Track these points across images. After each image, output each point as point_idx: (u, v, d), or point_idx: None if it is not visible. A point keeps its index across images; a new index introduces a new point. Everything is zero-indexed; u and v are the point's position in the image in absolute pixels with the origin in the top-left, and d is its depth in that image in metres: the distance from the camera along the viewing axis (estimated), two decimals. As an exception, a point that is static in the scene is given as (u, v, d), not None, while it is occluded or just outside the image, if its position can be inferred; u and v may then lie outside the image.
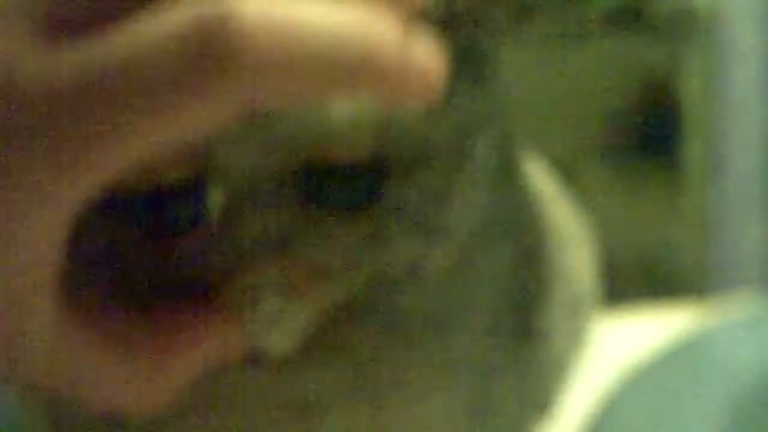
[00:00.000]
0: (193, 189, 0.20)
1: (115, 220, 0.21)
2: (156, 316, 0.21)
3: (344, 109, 0.20)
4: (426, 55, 0.18)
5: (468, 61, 0.22)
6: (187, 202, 0.20)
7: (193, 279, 0.21)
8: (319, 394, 0.22)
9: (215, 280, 0.21)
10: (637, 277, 1.45)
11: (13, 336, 0.19)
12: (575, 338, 0.27)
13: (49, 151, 0.18)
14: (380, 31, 0.18)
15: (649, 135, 1.49)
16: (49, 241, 0.19)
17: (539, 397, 0.26)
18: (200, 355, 0.21)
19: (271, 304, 0.20)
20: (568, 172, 1.51)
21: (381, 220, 0.21)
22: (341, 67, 0.17)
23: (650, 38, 1.29)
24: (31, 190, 0.18)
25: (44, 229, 0.19)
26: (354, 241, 0.21)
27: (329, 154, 0.20)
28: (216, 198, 0.21)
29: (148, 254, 0.21)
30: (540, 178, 0.28)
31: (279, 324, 0.20)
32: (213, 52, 0.17)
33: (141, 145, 0.18)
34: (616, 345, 0.40)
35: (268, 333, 0.20)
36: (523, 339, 0.24)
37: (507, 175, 0.24)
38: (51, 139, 0.18)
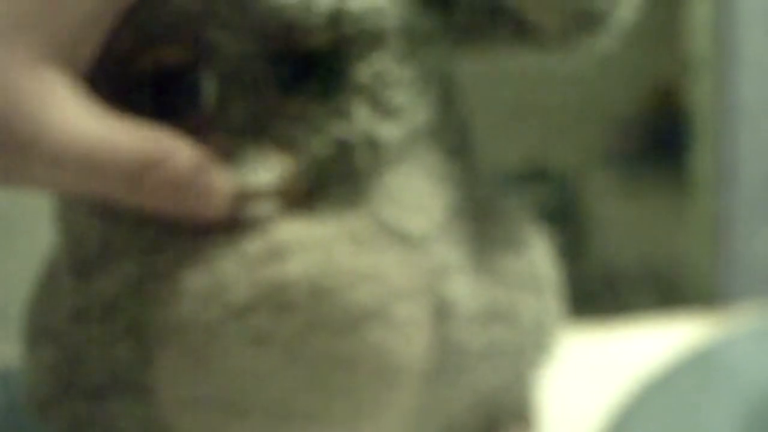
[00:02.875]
0: (190, 75, 0.25)
1: (135, 99, 0.25)
2: None
3: None
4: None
5: None
6: (185, 86, 0.25)
7: None
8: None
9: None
10: (644, 285, 1.45)
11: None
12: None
13: None
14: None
15: (658, 142, 1.49)
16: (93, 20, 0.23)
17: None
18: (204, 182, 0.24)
19: (252, 166, 0.25)
20: (575, 180, 1.51)
21: (343, 98, 0.26)
22: None
23: (658, 45, 1.29)
24: None
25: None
26: (320, 115, 0.25)
27: (296, 38, 0.25)
28: (209, 83, 0.25)
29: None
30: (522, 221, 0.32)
31: (260, 175, 0.25)
32: None
33: None
34: (625, 354, 0.40)
35: (252, 176, 0.25)
36: None
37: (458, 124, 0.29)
38: None
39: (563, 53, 0.30)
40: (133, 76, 0.24)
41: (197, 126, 0.25)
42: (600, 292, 1.39)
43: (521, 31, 0.30)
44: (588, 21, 0.29)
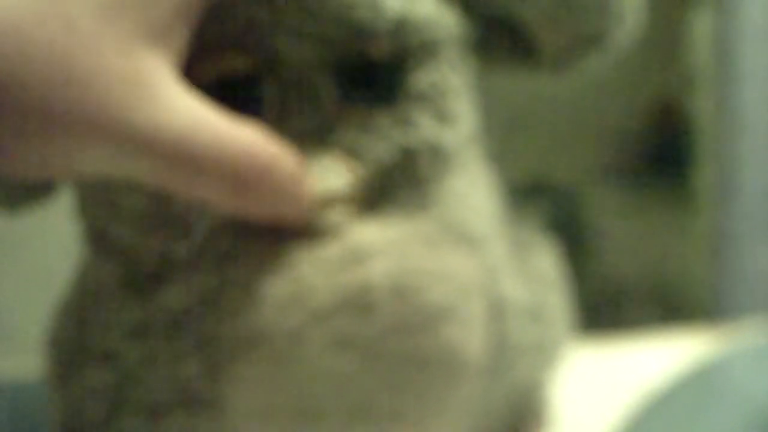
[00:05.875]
0: (253, 83, 0.25)
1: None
2: None
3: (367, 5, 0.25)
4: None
5: None
6: (248, 94, 0.25)
7: None
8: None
9: None
10: (646, 300, 1.45)
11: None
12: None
13: None
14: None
15: (659, 157, 1.49)
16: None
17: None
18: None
19: (320, 173, 0.25)
20: (577, 195, 1.51)
21: (403, 106, 0.26)
22: None
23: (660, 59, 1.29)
24: None
25: None
26: (383, 123, 0.26)
27: (360, 47, 0.25)
28: (272, 91, 0.25)
29: None
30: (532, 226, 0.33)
31: (330, 181, 0.25)
32: None
33: None
34: (627, 370, 0.40)
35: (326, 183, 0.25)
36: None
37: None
38: None
39: (561, 73, 0.31)
40: (196, 83, 0.24)
41: None
42: (602, 307, 1.39)
43: (519, 49, 0.30)
44: (589, 42, 0.29)
